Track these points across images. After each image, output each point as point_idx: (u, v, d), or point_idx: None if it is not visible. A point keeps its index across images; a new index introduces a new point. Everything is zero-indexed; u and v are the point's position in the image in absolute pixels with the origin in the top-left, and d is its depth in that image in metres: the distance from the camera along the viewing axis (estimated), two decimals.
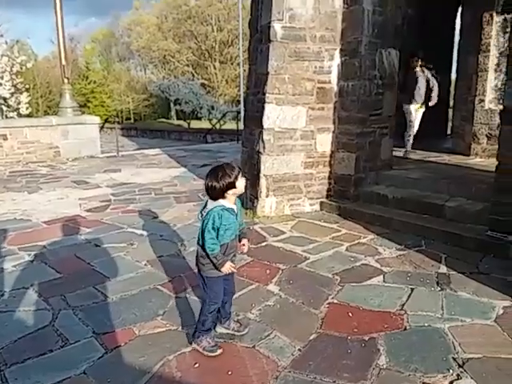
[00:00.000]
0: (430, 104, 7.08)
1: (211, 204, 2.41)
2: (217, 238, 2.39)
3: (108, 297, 3.21)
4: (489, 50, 6.75)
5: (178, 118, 32.29)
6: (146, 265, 3.83)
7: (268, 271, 3.67)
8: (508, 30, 6.30)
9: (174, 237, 4.55)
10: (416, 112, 7.12)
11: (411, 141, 7.16)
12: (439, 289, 3.32)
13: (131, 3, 45.79)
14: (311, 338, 2.68)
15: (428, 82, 6.97)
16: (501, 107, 3.99)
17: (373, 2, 5.09)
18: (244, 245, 2.65)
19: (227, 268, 2.43)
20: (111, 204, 5.94)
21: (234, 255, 2.58)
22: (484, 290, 3.27)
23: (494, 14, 6.64)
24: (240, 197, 2.57)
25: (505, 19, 6.45)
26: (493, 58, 6.77)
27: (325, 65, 5.29)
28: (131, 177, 7.95)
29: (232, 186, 2.37)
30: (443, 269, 3.69)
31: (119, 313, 2.97)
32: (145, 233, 4.68)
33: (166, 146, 14.63)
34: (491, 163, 4.07)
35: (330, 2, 5.18)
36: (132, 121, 37.31)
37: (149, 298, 3.21)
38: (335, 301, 3.16)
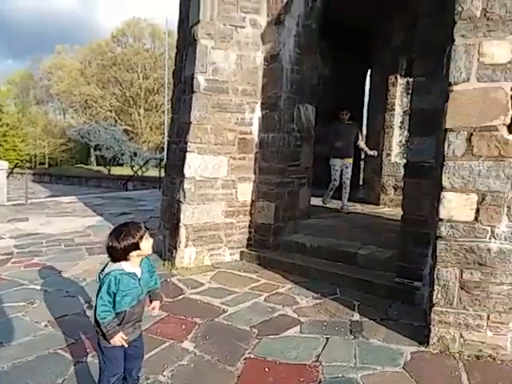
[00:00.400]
0: (371, 153, 7.05)
1: (110, 266, 2.22)
2: (113, 304, 2.19)
3: None
4: (394, 109, 7.44)
5: (97, 164, 31.19)
6: (46, 326, 3.45)
7: (184, 327, 3.48)
8: (410, 91, 7.01)
9: (82, 293, 4.19)
10: (341, 166, 6.82)
11: (346, 196, 6.89)
12: (352, 337, 3.36)
13: (53, 47, 44.83)
14: None
15: (357, 135, 6.86)
16: (405, 161, 4.33)
17: (291, 61, 5.41)
18: (154, 308, 2.48)
19: (116, 341, 2.19)
20: (13, 257, 5.39)
21: (138, 321, 2.37)
22: (393, 336, 3.37)
23: (399, 77, 7.38)
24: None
25: (407, 82, 7.17)
26: (397, 117, 7.45)
27: (246, 117, 5.45)
28: (40, 226, 7.36)
29: (135, 247, 2.20)
30: (356, 316, 3.76)
31: None
32: (49, 289, 4.27)
33: (82, 193, 13.94)
34: (398, 212, 4.34)
35: (252, 58, 5.43)
36: (47, 166, 35.38)
37: (47, 364, 2.86)
38: (252, 356, 3.05)
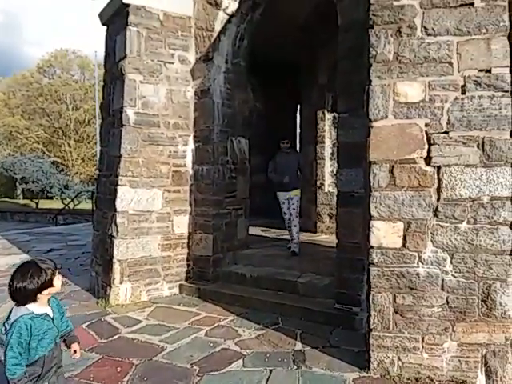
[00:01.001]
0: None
1: (16, 312, 2.03)
2: (28, 353, 2.00)
3: None
4: (324, 142, 7.82)
5: (24, 198, 29.28)
6: None
7: (119, 369, 3.32)
8: (337, 125, 7.42)
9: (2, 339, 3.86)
10: (288, 199, 6.22)
11: (294, 232, 6.19)
12: (296, 367, 3.37)
13: None
14: None
15: (299, 164, 6.37)
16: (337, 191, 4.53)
17: (222, 96, 5.55)
18: (76, 351, 2.29)
19: None
20: None
21: (59, 366, 2.20)
22: (335, 363, 3.42)
23: (326, 112, 7.81)
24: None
25: (334, 117, 7.59)
26: (327, 148, 7.83)
27: (179, 149, 5.46)
28: None
29: (49, 284, 2.06)
30: (299, 345, 3.78)
31: None
32: None
33: (7, 229, 12.99)
34: (334, 239, 4.48)
35: (182, 93, 5.50)
36: None
37: None
38: None
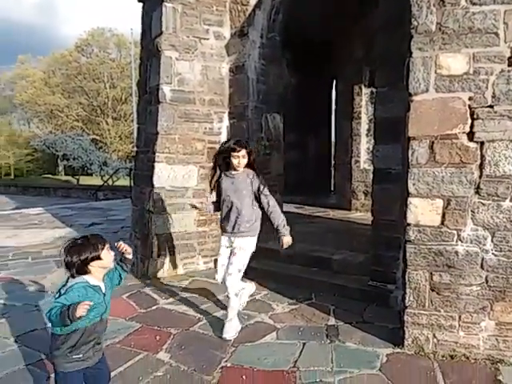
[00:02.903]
0: (284, 245, 3.69)
1: (72, 281, 2.10)
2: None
3: None
4: (360, 118, 7.66)
5: (66, 174, 30.50)
6: (16, 341, 3.36)
7: (158, 337, 3.46)
8: (374, 100, 7.23)
9: None
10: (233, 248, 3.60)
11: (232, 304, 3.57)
12: (329, 341, 3.40)
13: (14, 59, 43.75)
14: None
15: (260, 196, 3.63)
16: (373, 167, 4.44)
17: (256, 72, 5.48)
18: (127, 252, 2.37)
19: (82, 309, 1.92)
20: None
21: (98, 343, 2.22)
22: (369, 338, 3.43)
23: (363, 87, 7.61)
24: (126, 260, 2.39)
25: (372, 92, 7.39)
26: (364, 124, 7.67)
27: (214, 126, 5.49)
28: (5, 240, 7.13)
29: (97, 258, 2.11)
30: (332, 320, 3.81)
31: None
32: (16, 303, 4.16)
33: (50, 203, 13.58)
34: (369, 217, 4.41)
35: (217, 69, 5.49)
36: (12, 177, 34.32)
37: (17, 381, 2.78)
38: (229, 364, 3.06)
